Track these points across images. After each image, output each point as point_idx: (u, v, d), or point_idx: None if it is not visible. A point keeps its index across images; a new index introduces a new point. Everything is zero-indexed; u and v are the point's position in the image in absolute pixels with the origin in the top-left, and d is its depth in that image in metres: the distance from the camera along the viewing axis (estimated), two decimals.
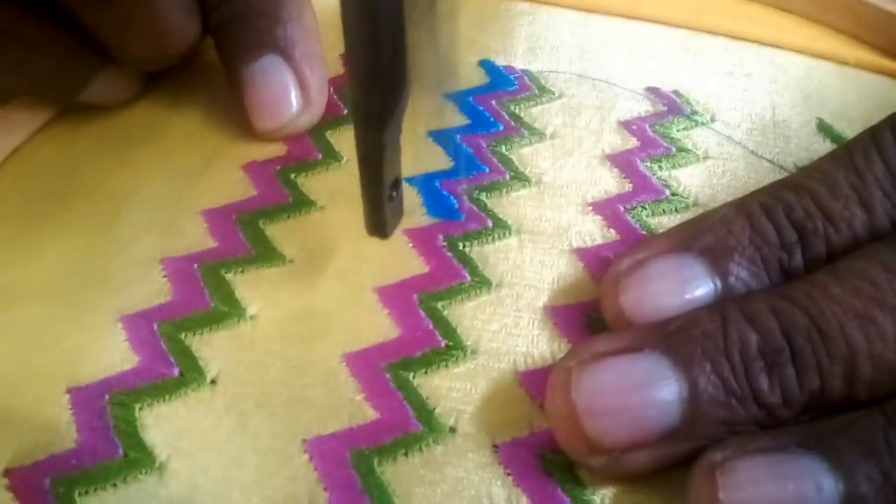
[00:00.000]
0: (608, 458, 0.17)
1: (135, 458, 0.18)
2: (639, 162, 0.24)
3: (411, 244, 0.22)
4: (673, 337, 0.17)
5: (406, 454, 0.18)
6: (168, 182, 0.24)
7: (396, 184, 0.19)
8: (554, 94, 0.26)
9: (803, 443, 0.16)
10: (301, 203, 0.23)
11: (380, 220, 0.19)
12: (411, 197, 0.23)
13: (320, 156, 0.24)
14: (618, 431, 0.17)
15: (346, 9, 0.15)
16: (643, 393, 0.16)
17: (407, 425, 0.18)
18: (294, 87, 0.24)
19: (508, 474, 0.18)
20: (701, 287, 0.18)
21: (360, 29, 0.15)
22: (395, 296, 0.21)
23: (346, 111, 0.26)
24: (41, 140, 0.25)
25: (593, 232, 0.22)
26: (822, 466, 0.15)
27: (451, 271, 0.21)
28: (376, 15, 0.15)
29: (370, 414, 0.19)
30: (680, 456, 0.17)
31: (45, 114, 0.26)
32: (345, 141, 0.25)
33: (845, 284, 0.17)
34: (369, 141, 0.17)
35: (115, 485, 0.18)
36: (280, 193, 0.23)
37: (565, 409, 0.17)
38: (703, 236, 0.19)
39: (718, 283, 0.18)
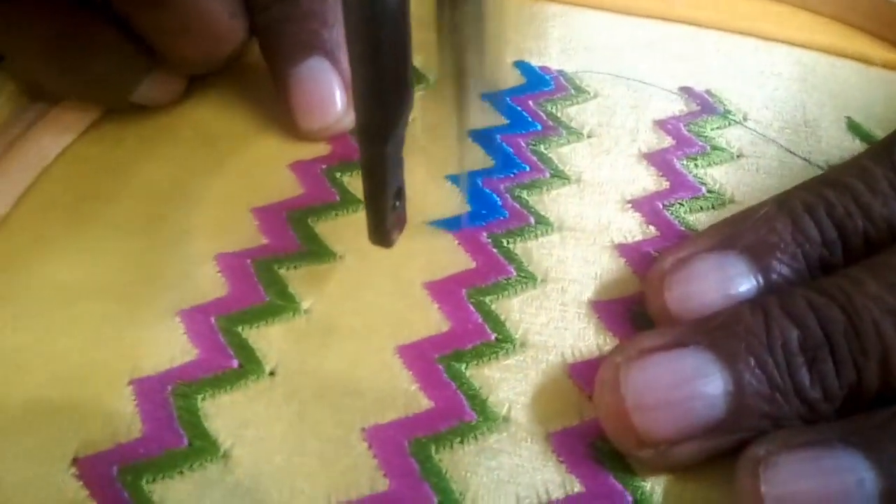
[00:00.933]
0: (656, 451, 0.17)
1: (200, 446, 0.19)
2: (675, 160, 0.25)
3: (457, 241, 0.22)
4: (717, 333, 0.18)
5: (462, 442, 0.19)
6: (217, 180, 0.24)
7: (400, 194, 0.19)
8: (589, 93, 0.27)
9: (844, 438, 0.16)
10: (348, 201, 0.24)
11: (383, 230, 0.19)
12: (454, 195, 0.24)
13: None
14: (665, 425, 0.17)
15: (348, 24, 0.15)
16: (690, 387, 0.17)
17: (462, 414, 0.19)
18: (339, 88, 0.24)
19: (561, 461, 0.18)
20: (744, 284, 0.19)
21: (363, 44, 0.15)
22: (444, 291, 0.21)
23: None
24: (89, 140, 0.26)
25: (633, 228, 0.23)
26: (863, 462, 0.16)
27: (497, 267, 0.22)
28: (379, 30, 0.15)
29: (425, 403, 0.19)
30: (726, 448, 0.17)
31: (92, 114, 0.26)
32: None
33: (879, 280, 0.17)
34: (372, 153, 0.17)
35: (181, 472, 0.18)
36: (328, 192, 0.24)
37: (614, 404, 0.18)
38: (745, 234, 0.20)
39: (761, 280, 0.19)
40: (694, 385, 0.17)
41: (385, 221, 0.19)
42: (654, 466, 0.18)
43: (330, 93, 0.24)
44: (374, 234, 0.19)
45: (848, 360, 0.17)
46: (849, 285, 0.18)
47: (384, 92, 0.16)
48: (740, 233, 0.20)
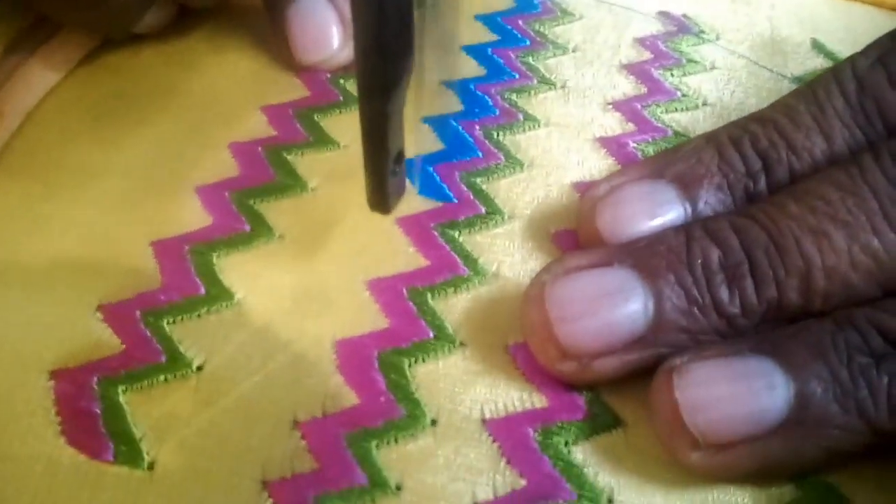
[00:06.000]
0: (578, 364, 0.18)
1: (215, 293, 0.20)
2: (653, 70, 0.27)
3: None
4: (640, 252, 0.19)
5: (455, 291, 0.20)
6: (231, 83, 0.26)
7: (400, 158, 0.18)
8: (574, 15, 0.29)
9: (756, 347, 0.17)
10: (350, 101, 0.25)
11: (382, 195, 0.19)
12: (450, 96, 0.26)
13: None
14: (587, 337, 0.18)
15: None
16: (612, 301, 0.18)
17: (455, 269, 0.21)
18: (336, 23, 0.25)
19: None
20: (672, 211, 0.20)
21: None
22: (441, 175, 0.23)
23: None
24: (106, 50, 0.28)
25: (613, 125, 0.25)
26: (774, 367, 0.16)
27: (488, 154, 0.24)
28: None
29: (422, 262, 0.21)
30: (645, 363, 0.18)
31: (86, 47, 0.27)
32: None
33: (801, 203, 0.18)
34: (373, 111, 0.17)
35: (199, 315, 0.20)
36: (331, 93, 0.26)
37: (539, 317, 0.18)
38: (674, 164, 0.20)
39: (688, 208, 0.20)
40: (616, 300, 0.18)
41: (384, 186, 0.18)
42: (574, 380, 0.19)
43: (327, 28, 0.25)
44: (372, 199, 0.19)
45: (768, 276, 0.18)
46: (771, 208, 0.19)
47: (388, 45, 0.16)
48: (670, 163, 0.20)
